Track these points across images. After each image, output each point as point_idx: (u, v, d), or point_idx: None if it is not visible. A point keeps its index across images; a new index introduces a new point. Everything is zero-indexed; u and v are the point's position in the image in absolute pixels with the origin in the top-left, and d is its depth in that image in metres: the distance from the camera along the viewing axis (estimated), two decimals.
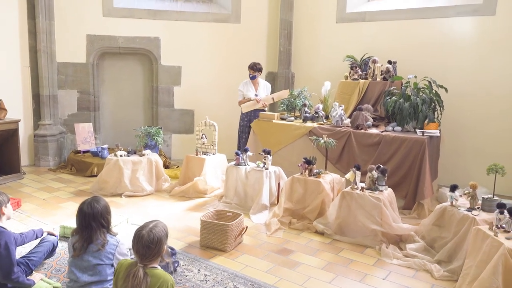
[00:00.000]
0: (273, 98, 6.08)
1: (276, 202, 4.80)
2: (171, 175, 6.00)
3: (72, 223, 3.54)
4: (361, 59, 6.23)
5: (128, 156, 5.31)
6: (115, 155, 5.27)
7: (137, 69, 7.30)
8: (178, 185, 5.45)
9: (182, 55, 7.10)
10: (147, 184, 5.31)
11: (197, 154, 5.49)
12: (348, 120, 5.32)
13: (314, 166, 4.49)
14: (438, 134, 4.92)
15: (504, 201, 3.24)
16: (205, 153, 5.56)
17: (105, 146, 6.36)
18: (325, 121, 5.57)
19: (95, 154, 6.36)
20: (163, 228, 2.31)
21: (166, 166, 6.41)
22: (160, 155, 6.20)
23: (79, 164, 6.28)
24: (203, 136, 5.59)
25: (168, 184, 5.55)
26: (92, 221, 2.57)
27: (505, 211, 2.97)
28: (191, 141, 6.66)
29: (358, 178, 4.02)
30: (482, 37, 5.59)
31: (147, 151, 5.47)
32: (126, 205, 4.86)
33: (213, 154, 5.55)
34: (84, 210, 2.59)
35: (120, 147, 5.42)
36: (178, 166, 6.53)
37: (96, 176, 5.71)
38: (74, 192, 5.31)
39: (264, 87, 6.27)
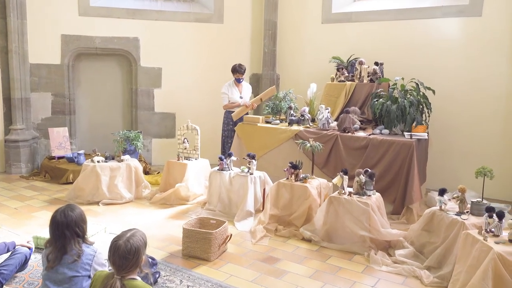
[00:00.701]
0: (261, 98, 6.09)
1: (261, 209, 4.79)
2: (152, 182, 5.96)
3: (46, 234, 3.45)
4: (348, 60, 6.30)
5: (106, 162, 5.26)
6: (92, 161, 5.20)
7: (115, 71, 7.23)
8: (159, 192, 5.41)
9: (162, 56, 7.06)
10: (126, 191, 5.25)
11: (178, 159, 5.45)
12: (335, 123, 5.36)
13: (301, 170, 4.50)
14: (426, 137, 5.00)
15: (493, 204, 3.30)
16: (187, 158, 5.53)
17: (81, 151, 6.28)
18: (311, 124, 5.60)
19: (70, 160, 6.27)
20: (141, 237, 2.27)
21: (146, 172, 6.36)
22: (139, 160, 6.15)
23: (54, 171, 6.17)
24: (185, 140, 5.56)
25: (148, 191, 5.51)
26: (66, 230, 2.52)
27: (494, 214, 3.02)
28: (173, 146, 6.61)
29: (345, 183, 4.04)
30: (469, 38, 5.71)
31: (126, 157, 5.41)
32: (104, 214, 4.79)
33: (196, 159, 5.52)
34: (57, 219, 2.54)
35: (97, 153, 5.35)
36: (158, 172, 6.49)
37: (71, 183, 5.63)
38: (48, 201, 5.22)
39: (247, 89, 6.28)
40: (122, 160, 5.32)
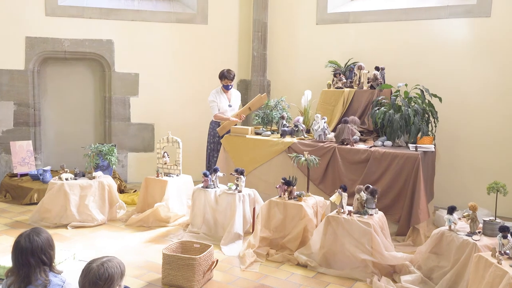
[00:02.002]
0: (249, 107, 6.11)
1: (251, 231, 4.78)
2: (128, 201, 5.93)
3: (7, 261, 3.41)
4: (346, 65, 6.37)
5: (76, 179, 5.23)
6: (60, 178, 5.16)
7: (86, 77, 7.22)
8: (135, 213, 5.37)
9: (139, 61, 7.08)
10: (99, 212, 5.21)
11: (158, 176, 5.43)
12: (332, 134, 5.40)
13: (295, 187, 4.51)
14: (433, 149, 5.05)
15: (507, 223, 3.33)
16: (167, 174, 5.51)
17: (48, 168, 6.22)
18: (306, 135, 5.64)
19: (35, 177, 6.21)
20: (118, 265, 2.26)
21: (121, 191, 6.33)
22: (114, 177, 6.11)
23: (16, 190, 6.10)
24: (165, 154, 5.55)
25: (123, 212, 5.48)
26: (31, 257, 2.49)
27: (509, 235, 3.05)
28: (151, 161, 6.59)
29: (344, 201, 4.06)
30: (477, 40, 5.83)
31: (98, 173, 5.38)
32: (73, 238, 4.74)
33: (177, 175, 5.51)
34: (21, 245, 2.51)
35: (65, 169, 5.31)
36: (135, 191, 6.47)
37: (36, 204, 5.56)
38: (9, 224, 5.15)
39: (237, 96, 6.32)
40: (94, 177, 5.29)
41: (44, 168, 6.22)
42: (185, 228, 5.05)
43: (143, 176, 5.66)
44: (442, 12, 6.03)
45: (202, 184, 4.97)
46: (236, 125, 6.11)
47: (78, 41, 6.84)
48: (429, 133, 5.22)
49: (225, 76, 6.07)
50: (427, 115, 5.26)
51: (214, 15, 7.26)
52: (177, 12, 7.21)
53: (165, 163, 5.55)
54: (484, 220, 3.58)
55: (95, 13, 6.87)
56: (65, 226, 5.04)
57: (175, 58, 7.18)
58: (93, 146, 6.12)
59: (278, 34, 7.25)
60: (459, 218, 3.74)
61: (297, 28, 7.10)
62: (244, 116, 6.15)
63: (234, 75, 6.17)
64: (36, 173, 6.25)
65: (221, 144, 5.91)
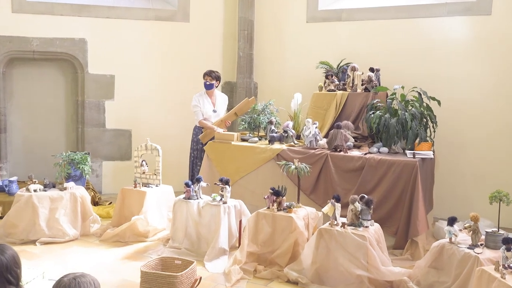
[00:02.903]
0: (235, 113, 6.11)
1: (237, 245, 4.77)
2: (102, 214, 5.89)
3: None
4: (338, 66, 6.42)
5: (45, 191, 5.18)
6: (28, 190, 5.11)
7: (57, 79, 7.18)
8: (111, 227, 5.34)
9: (115, 61, 7.05)
10: (70, 227, 5.16)
11: (135, 187, 5.40)
12: (324, 140, 5.43)
13: (284, 198, 4.51)
14: (432, 156, 5.10)
15: (511, 235, 3.36)
16: (146, 184, 5.49)
17: (14, 178, 6.15)
18: (296, 142, 5.65)
19: (0, 189, 6.13)
20: (92, 282, 2.23)
21: (95, 203, 6.29)
22: (87, 188, 6.06)
23: None
24: (144, 163, 5.52)
25: (97, 226, 5.44)
26: None
27: None
28: (128, 170, 6.54)
29: (338, 212, 4.07)
30: (478, 39, 5.91)
31: (70, 184, 5.34)
32: (42, 255, 4.69)
33: (157, 185, 5.48)
34: None
35: (34, 180, 5.25)
36: (111, 203, 6.43)
37: (1, 218, 5.48)
38: None
39: (222, 101, 6.32)
40: (65, 189, 5.24)
41: (10, 179, 6.14)
42: (165, 243, 5.02)
43: (119, 186, 5.62)
44: (440, 10, 6.12)
45: (184, 195, 4.95)
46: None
47: (47, 40, 6.80)
48: (428, 138, 5.26)
49: (206, 73, 6.10)
50: (425, 120, 5.32)
51: (196, 12, 7.27)
52: (156, 9, 7.21)
53: (144, 173, 5.53)
54: (486, 232, 3.62)
55: (66, 10, 6.84)
56: (33, 242, 4.98)
57: (154, 58, 7.17)
58: (64, 154, 6.05)
59: (265, 33, 7.29)
60: (460, 230, 3.77)
61: (286, 27, 7.14)
62: (230, 122, 6.15)
63: (217, 75, 6.17)
64: (1, 184, 6.18)
65: (204, 151, 5.90)
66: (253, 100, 6.16)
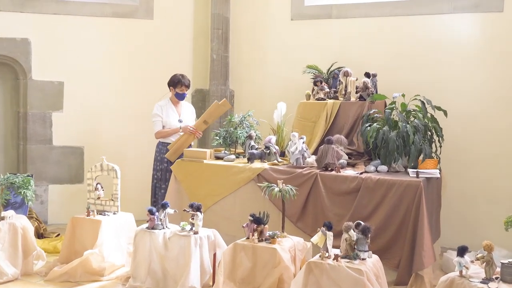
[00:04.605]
0: (205, 121, 6.06)
1: (211, 283, 4.74)
2: (48, 249, 5.82)
3: None
4: (328, 70, 6.48)
5: None
6: None
7: None
8: (58, 264, 5.26)
9: (65, 66, 7.03)
10: (9, 264, 5.07)
11: (88, 215, 5.34)
12: (313, 157, 5.45)
13: (266, 226, 4.51)
14: (438, 175, 5.14)
15: None
16: (101, 212, 5.43)
17: None
18: (280, 160, 5.66)
19: None
20: None
21: (39, 235, 6.21)
22: (29, 218, 5.98)
23: None
24: (99, 186, 5.47)
25: (42, 263, 5.36)
26: None
27: None
28: (80, 195, 6.48)
29: (329, 242, 4.07)
30: (488, 39, 6.03)
31: (9, 213, 5.26)
32: None
33: (114, 213, 5.43)
34: None
35: None
36: (58, 234, 6.36)
37: None
38: None
39: (190, 112, 6.33)
40: (2, 218, 5.16)
41: None
42: (124, 282, 4.97)
43: (69, 215, 5.55)
44: (445, 6, 6.23)
45: (147, 224, 4.91)
46: (190, 146, 6.09)
47: None
48: (433, 155, 5.31)
49: (181, 82, 6.08)
50: (429, 133, 5.37)
51: (161, 8, 7.29)
52: (114, 4, 7.20)
53: (99, 198, 5.47)
54: (502, 263, 3.65)
55: (5, 4, 6.80)
56: None
57: (111, 62, 7.15)
58: (2, 177, 5.97)
59: (243, 32, 7.32)
60: (472, 261, 3.80)
61: (267, 25, 7.19)
62: (200, 133, 6.11)
63: (189, 83, 6.19)
64: None
65: (171, 172, 5.88)
66: (226, 103, 6.14)
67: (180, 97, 6.17)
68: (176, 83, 6.11)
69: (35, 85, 6.98)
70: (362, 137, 5.50)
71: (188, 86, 6.16)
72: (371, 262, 4.04)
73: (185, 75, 6.18)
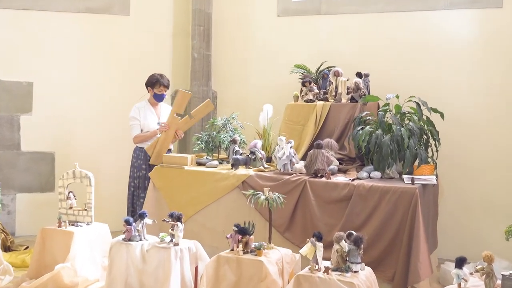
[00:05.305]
0: (176, 113, 5.91)
1: None
2: (16, 263, 5.79)
3: None
4: (318, 70, 6.50)
5: None
6: None
7: None
8: (27, 279, 5.22)
9: (34, 65, 7.00)
10: None
11: (60, 226, 5.31)
12: (302, 163, 5.45)
13: (252, 237, 4.50)
14: (435, 181, 5.16)
15: None
16: (74, 223, 5.40)
17: None
18: (266, 165, 5.66)
19: None
20: None
21: (6, 248, 6.19)
22: None
23: None
24: (71, 195, 5.44)
25: (10, 279, 5.31)
26: None
27: None
28: (51, 205, 6.43)
29: (319, 254, 4.07)
30: (486, 37, 6.09)
31: None
32: None
33: (88, 224, 5.40)
34: None
35: None
36: (27, 247, 6.33)
37: None
38: None
39: (168, 113, 6.30)
40: None
41: None
42: None
43: (38, 226, 5.51)
44: (441, 2, 6.28)
45: (123, 236, 4.89)
46: (170, 151, 6.07)
47: None
48: (429, 160, 5.33)
49: (159, 82, 6.06)
50: (425, 137, 5.39)
51: (138, 2, 7.29)
52: None
53: (71, 207, 5.44)
54: (503, 275, 3.67)
55: None
56: None
57: (84, 61, 7.13)
58: None
59: (226, 29, 7.33)
60: (471, 273, 3.82)
61: (252, 21, 7.20)
62: (182, 133, 6.07)
63: (168, 83, 6.17)
64: None
65: (149, 179, 5.85)
66: (209, 104, 6.13)
67: (159, 98, 6.15)
68: (154, 83, 6.09)
69: (2, 86, 6.96)
70: (353, 141, 5.50)
71: (167, 87, 6.14)
72: (364, 275, 4.04)
73: (164, 75, 6.15)
